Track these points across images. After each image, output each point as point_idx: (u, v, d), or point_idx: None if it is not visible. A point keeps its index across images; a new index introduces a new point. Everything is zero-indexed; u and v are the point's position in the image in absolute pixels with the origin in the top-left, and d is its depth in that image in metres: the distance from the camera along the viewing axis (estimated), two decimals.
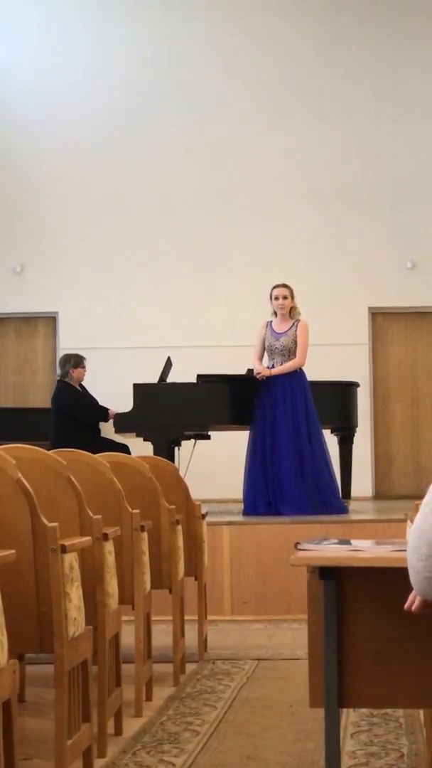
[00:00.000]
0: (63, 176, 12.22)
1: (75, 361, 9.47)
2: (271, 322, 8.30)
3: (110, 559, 3.92)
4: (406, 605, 2.33)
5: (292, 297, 8.25)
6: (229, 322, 11.88)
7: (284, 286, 8.29)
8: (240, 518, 7.74)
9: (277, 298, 8.22)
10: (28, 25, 12.41)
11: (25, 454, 3.64)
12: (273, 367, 8.20)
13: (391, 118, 12.26)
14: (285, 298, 8.20)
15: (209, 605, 6.08)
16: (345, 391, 9.36)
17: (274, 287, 8.31)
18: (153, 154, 12.23)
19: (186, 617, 5.45)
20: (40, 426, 9.67)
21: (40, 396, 12.11)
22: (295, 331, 8.17)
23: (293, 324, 8.21)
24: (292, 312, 8.25)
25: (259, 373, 8.16)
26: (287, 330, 8.20)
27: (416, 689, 2.77)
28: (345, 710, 4.02)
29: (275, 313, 8.27)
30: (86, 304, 12.09)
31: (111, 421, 9.00)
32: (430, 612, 2.32)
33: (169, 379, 9.12)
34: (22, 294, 12.22)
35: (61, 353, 11.84)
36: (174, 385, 8.87)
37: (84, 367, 9.45)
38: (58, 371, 9.73)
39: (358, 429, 9.59)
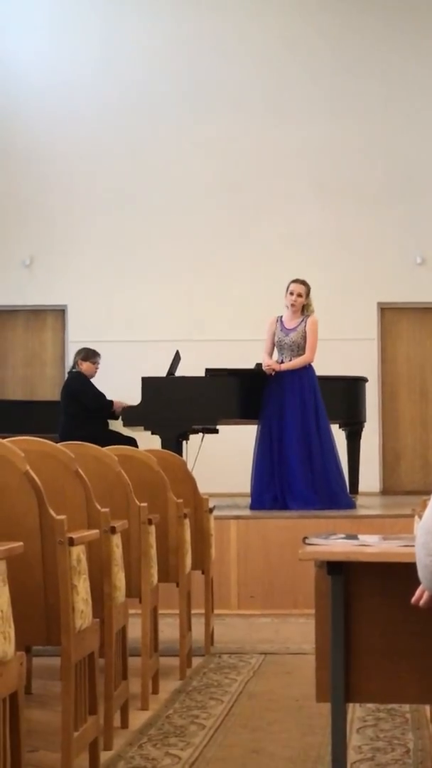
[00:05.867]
0: (72, 170, 12.22)
1: (85, 354, 9.40)
2: (281, 317, 8.25)
3: (117, 552, 3.93)
4: (414, 600, 2.33)
5: (307, 295, 8.15)
6: (238, 316, 11.86)
7: (302, 283, 8.19)
8: (247, 512, 7.74)
9: (292, 294, 8.15)
10: (39, 19, 12.39)
11: (33, 446, 3.65)
12: (282, 362, 8.18)
13: (401, 112, 12.22)
14: (299, 295, 8.13)
15: (216, 599, 6.09)
16: (353, 386, 9.37)
17: (292, 281, 8.24)
18: (162, 149, 12.22)
19: (193, 611, 5.46)
20: (49, 419, 9.67)
21: (48, 389, 12.12)
22: (305, 327, 8.13)
23: (303, 320, 8.15)
24: (304, 309, 8.19)
25: (268, 366, 8.15)
26: (296, 326, 8.15)
27: (423, 684, 2.76)
28: (351, 705, 4.02)
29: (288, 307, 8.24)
30: (95, 298, 12.09)
31: (119, 414, 8.99)
32: None
33: (178, 373, 9.12)
34: (31, 287, 12.22)
35: (69, 346, 11.87)
36: (182, 378, 8.86)
37: (95, 362, 9.36)
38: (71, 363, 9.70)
39: (366, 424, 9.59)
